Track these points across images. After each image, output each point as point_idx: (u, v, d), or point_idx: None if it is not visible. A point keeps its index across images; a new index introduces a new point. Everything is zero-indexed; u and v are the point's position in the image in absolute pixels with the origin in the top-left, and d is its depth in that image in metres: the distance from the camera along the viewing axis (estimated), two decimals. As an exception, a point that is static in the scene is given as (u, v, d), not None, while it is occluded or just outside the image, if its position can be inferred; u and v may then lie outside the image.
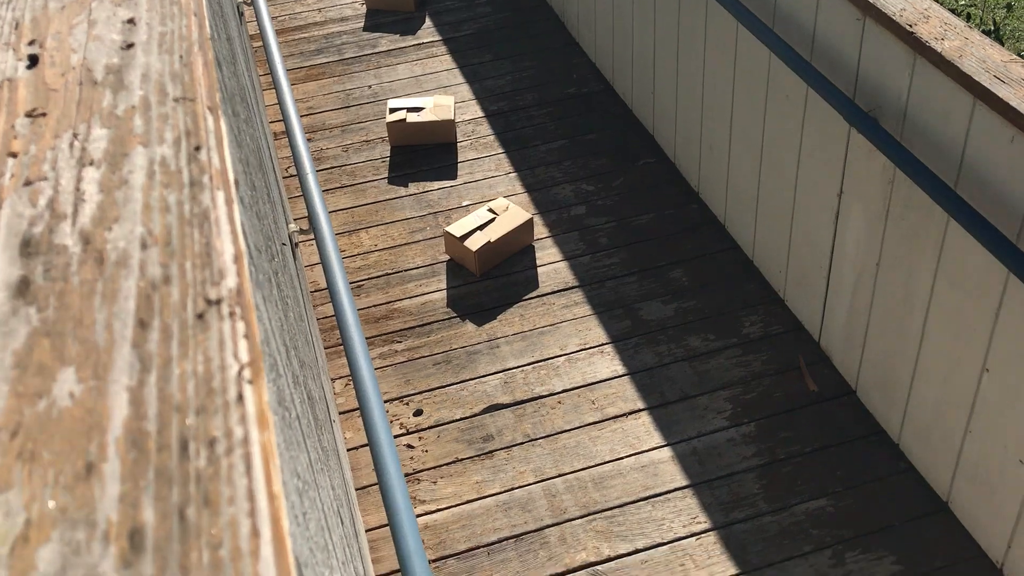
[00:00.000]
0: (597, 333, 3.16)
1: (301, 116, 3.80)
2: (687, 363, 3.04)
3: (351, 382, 3.08)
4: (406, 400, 3.01)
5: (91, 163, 0.69)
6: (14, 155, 0.70)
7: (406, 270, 3.47)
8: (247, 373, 0.52)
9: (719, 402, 2.92)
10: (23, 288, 0.58)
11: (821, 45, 2.66)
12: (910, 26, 2.30)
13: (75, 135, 0.72)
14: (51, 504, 0.46)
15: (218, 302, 0.56)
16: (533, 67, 4.49)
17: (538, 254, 3.49)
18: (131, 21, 0.87)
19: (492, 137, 4.08)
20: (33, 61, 0.81)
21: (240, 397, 0.50)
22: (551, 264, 3.44)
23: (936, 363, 2.48)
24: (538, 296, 3.32)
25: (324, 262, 1.92)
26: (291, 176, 3.74)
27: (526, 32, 4.74)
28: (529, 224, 3.48)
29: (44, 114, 0.75)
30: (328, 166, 3.99)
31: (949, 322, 2.39)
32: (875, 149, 2.48)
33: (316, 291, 3.34)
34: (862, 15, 2.46)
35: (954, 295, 2.34)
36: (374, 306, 3.34)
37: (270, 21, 2.75)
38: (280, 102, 2.43)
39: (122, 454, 0.48)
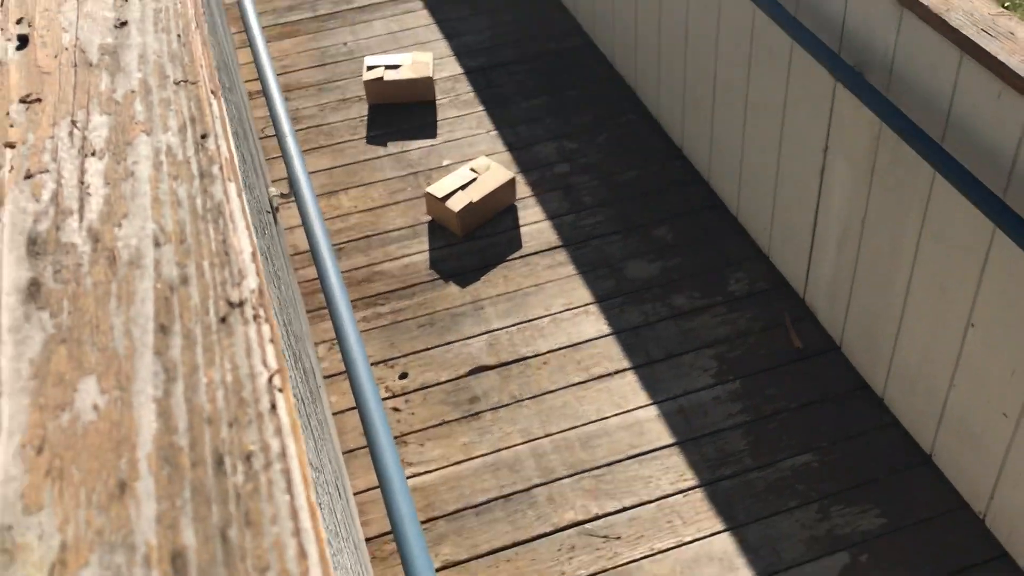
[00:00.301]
0: (582, 293, 3.16)
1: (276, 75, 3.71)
2: (672, 321, 3.05)
3: (334, 346, 3.06)
4: (391, 363, 3.00)
5: (93, 153, 0.66)
6: (11, 145, 0.67)
7: (387, 232, 3.43)
8: (277, 380, 0.50)
9: (704, 360, 2.93)
10: (34, 291, 0.56)
11: (806, -1, 2.63)
12: (898, -20, 2.27)
13: (74, 122, 0.69)
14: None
15: (241, 304, 0.54)
16: (512, 21, 4.42)
17: (521, 214, 3.46)
18: (122, -4, 0.84)
19: (472, 94, 4.02)
20: (23, 42, 0.77)
21: (273, 407, 0.48)
22: (534, 224, 3.42)
23: (921, 318, 2.49)
24: (522, 256, 3.30)
25: (307, 226, 1.88)
26: (266, 137, 3.67)
27: (502, -15, 4.65)
28: (511, 183, 3.45)
29: (39, 100, 0.71)
30: (304, 126, 3.92)
31: (935, 277, 2.40)
32: (861, 104, 2.46)
33: (295, 254, 3.30)
34: (849, -31, 2.43)
35: (940, 250, 2.35)
36: (355, 269, 3.31)
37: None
38: (257, 62, 2.36)
39: (155, 471, 0.46)
